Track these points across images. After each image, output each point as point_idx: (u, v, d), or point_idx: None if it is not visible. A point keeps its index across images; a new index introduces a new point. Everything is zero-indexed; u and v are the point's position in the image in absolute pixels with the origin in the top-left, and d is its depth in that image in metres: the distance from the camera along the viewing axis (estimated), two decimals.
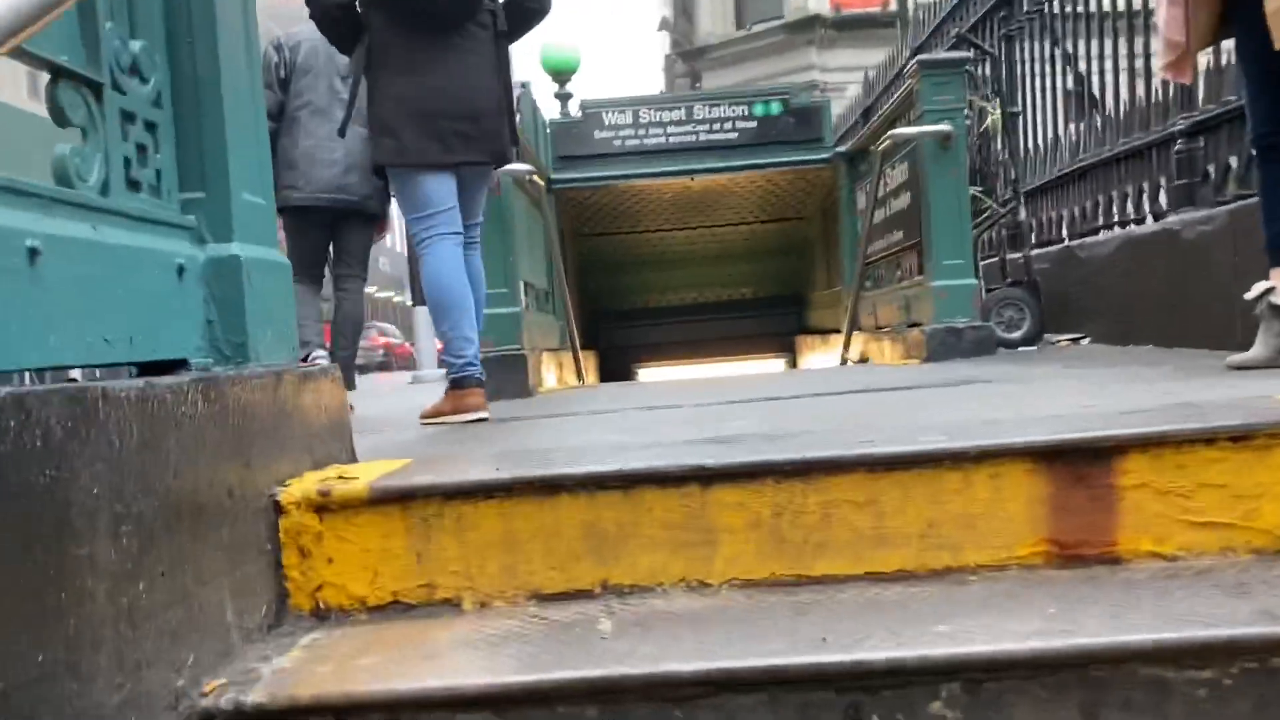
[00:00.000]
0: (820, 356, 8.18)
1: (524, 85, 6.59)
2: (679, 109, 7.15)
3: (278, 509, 1.60)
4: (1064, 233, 5.58)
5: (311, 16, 3.17)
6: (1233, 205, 3.74)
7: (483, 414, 3.17)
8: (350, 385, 4.09)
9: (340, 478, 1.66)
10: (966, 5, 6.66)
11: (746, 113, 7.13)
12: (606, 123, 7.14)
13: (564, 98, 9.55)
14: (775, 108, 7.13)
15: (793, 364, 9.37)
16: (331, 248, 4.41)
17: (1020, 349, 4.84)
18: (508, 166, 4.45)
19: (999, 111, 5.12)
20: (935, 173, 4.71)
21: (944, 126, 4.61)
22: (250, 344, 1.68)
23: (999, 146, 5.12)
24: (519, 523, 1.58)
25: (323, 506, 1.59)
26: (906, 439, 1.62)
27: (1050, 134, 5.78)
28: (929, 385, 3.27)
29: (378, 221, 4.47)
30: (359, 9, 3.13)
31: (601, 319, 9.42)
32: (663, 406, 3.24)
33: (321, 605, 1.60)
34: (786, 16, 24.67)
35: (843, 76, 25.27)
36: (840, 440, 1.68)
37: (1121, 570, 1.51)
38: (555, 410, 3.51)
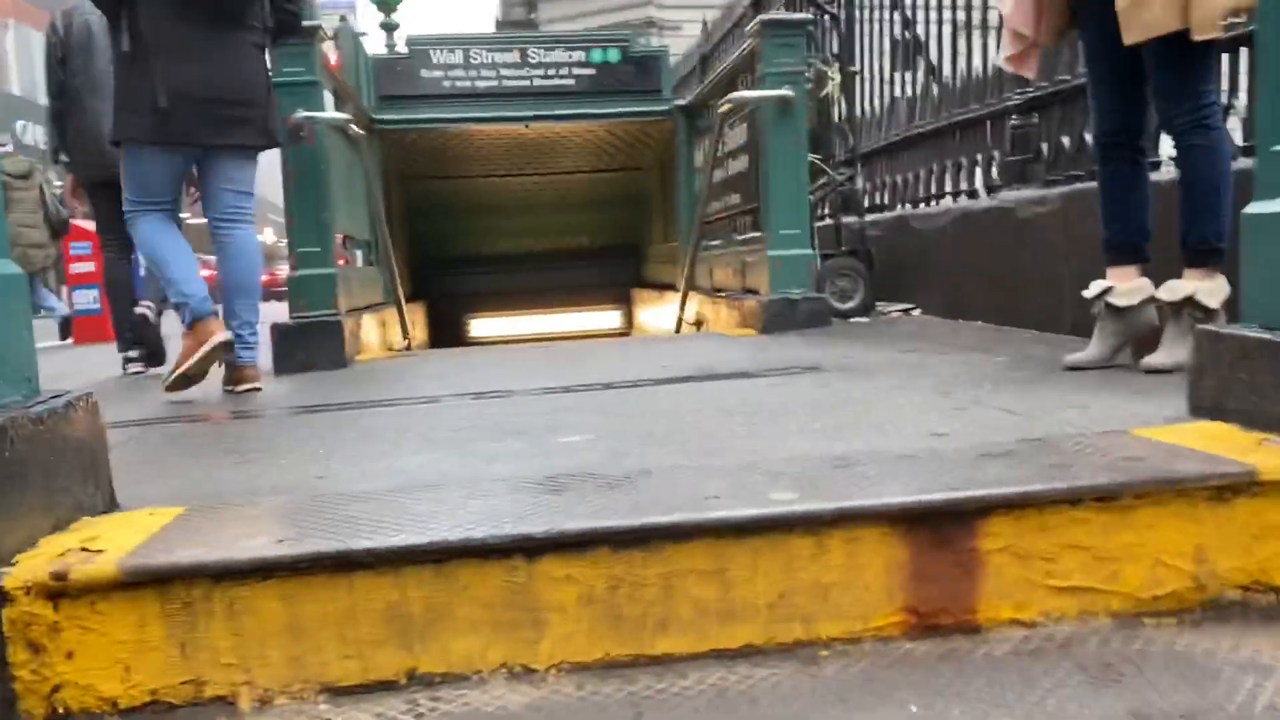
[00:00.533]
0: (656, 311, 8.06)
1: (343, 18, 6.09)
2: (513, 51, 6.77)
3: (1, 597, 1.29)
4: (898, 199, 5.61)
5: None
6: (1066, 189, 3.76)
7: (225, 337, 3.38)
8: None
9: (84, 549, 1.36)
10: None
11: (584, 59, 6.83)
12: (435, 61, 6.69)
13: (389, 28, 8.96)
14: (613, 55, 6.85)
15: (628, 318, 9.23)
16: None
17: (852, 319, 4.82)
18: (323, 115, 4.15)
19: (839, 77, 5.02)
20: (775, 138, 4.58)
21: (785, 91, 4.47)
22: None
23: (838, 112, 5.04)
24: (307, 606, 1.33)
25: (59, 592, 1.30)
26: (756, 497, 1.45)
27: (887, 97, 5.76)
28: (768, 373, 3.15)
29: None
30: None
31: (432, 266, 9.00)
32: (490, 395, 3.00)
33: (60, 710, 1.31)
34: None
35: (680, 15, 25.18)
36: (684, 493, 1.50)
37: (982, 643, 1.39)
38: (368, 395, 3.21)
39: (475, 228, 9.07)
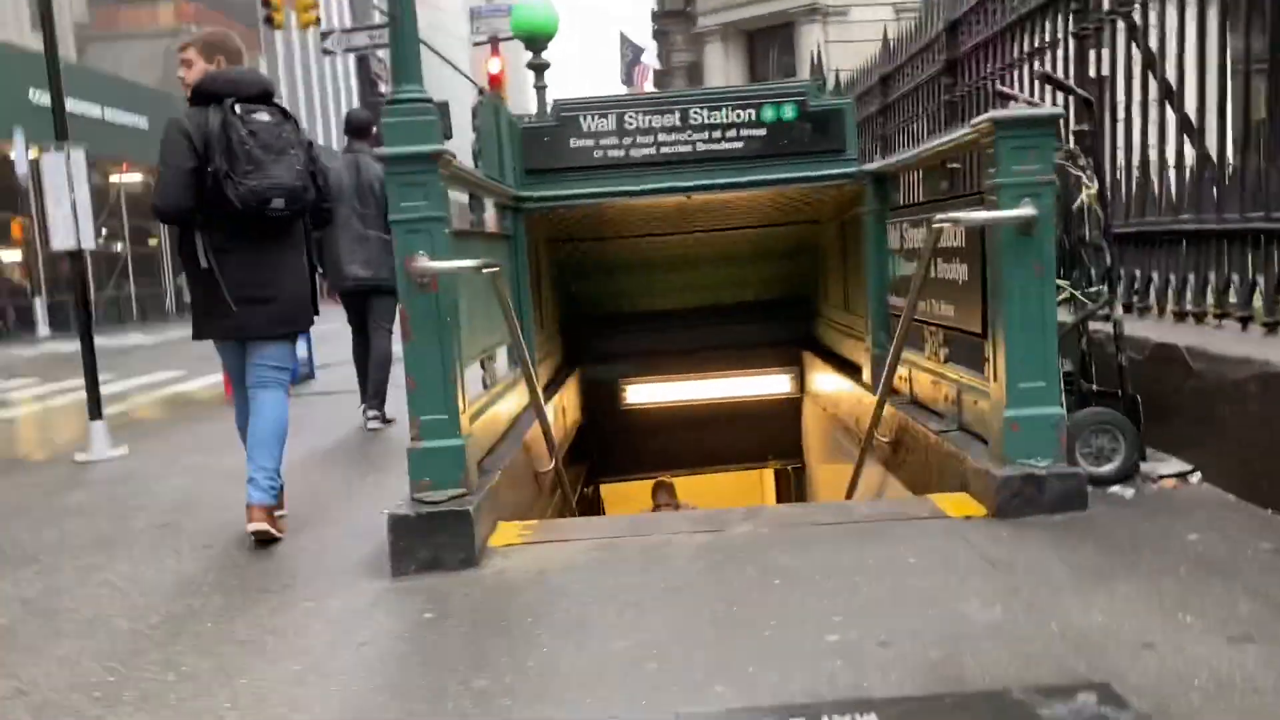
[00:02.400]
0: (831, 382, 7.07)
1: (482, 90, 5.38)
2: (673, 113, 5.88)
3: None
4: (1156, 304, 4.45)
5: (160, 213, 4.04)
6: None
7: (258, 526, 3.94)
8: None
9: None
10: None
11: (754, 118, 5.88)
12: (585, 128, 5.89)
13: (539, 68, 8.23)
14: (789, 112, 5.87)
15: (799, 382, 8.25)
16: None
17: (1111, 488, 3.74)
18: (446, 265, 3.45)
19: (1095, 186, 3.91)
20: (1012, 266, 3.55)
21: (1026, 211, 3.43)
22: None
23: (1092, 226, 3.94)
24: None
25: None
26: None
27: (1140, 166, 4.59)
28: (1049, 696, 2.18)
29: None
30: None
31: (585, 325, 8.28)
32: None
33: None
34: None
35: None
36: None
37: None
38: (490, 663, 2.40)
39: (631, 285, 8.28)
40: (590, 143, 5.90)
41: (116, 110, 29.31)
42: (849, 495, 5.90)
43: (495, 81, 21.74)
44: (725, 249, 8.05)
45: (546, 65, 8.01)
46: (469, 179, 4.41)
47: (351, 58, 11.79)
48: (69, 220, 6.55)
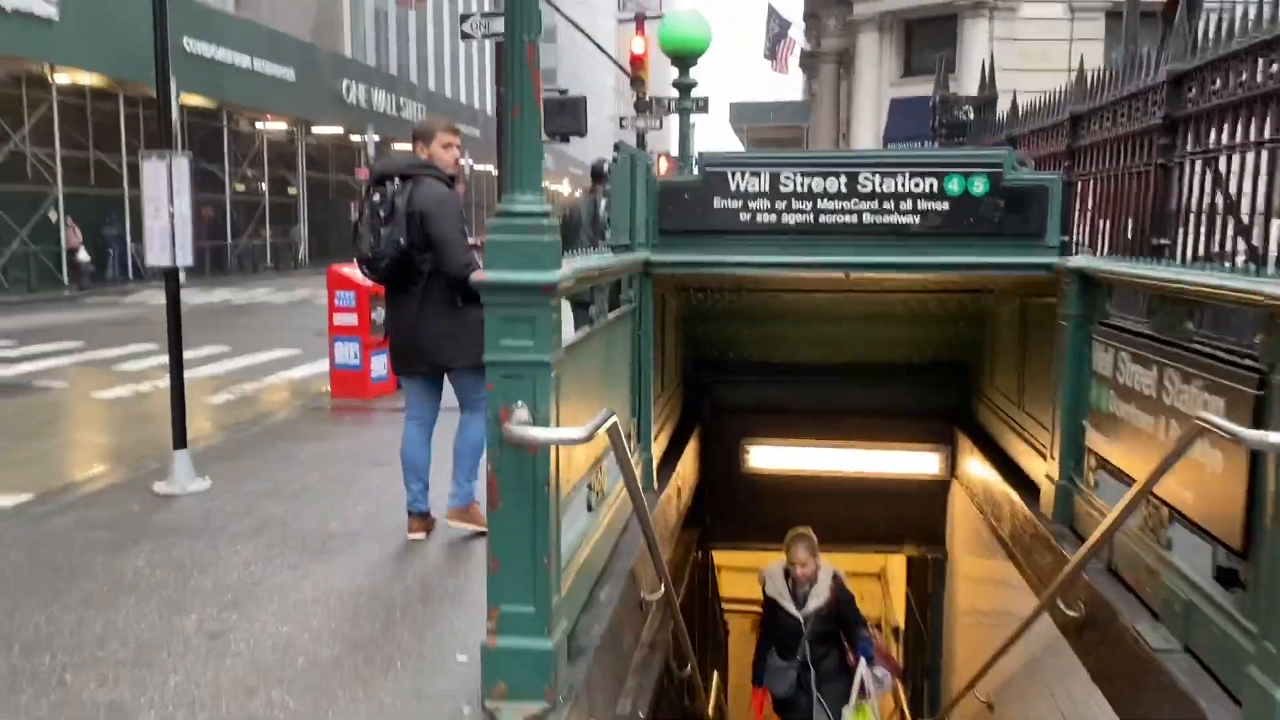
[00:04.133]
0: (992, 481, 6.10)
1: (618, 145, 4.60)
2: (838, 176, 4.99)
3: None
4: None
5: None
6: None
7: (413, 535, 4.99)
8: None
9: None
10: None
11: (935, 189, 4.93)
12: (733, 188, 5.04)
13: (685, 88, 7.36)
14: (980, 185, 4.90)
15: (949, 464, 7.26)
16: None
17: None
18: (546, 434, 2.68)
19: None
20: None
21: None
22: None
23: None
24: None
25: None
26: None
27: None
28: None
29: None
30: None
31: (708, 370, 7.48)
32: None
33: None
34: None
35: None
36: None
37: None
38: None
39: (763, 334, 7.42)
40: (737, 204, 5.05)
41: (265, 61, 29.63)
42: (1008, 646, 5.00)
43: (638, 61, 20.83)
44: (876, 307, 7.11)
45: (693, 85, 7.14)
46: (590, 276, 3.64)
47: (489, 43, 11.20)
48: (165, 234, 6.02)
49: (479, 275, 2.78)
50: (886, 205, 4.97)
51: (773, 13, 34.75)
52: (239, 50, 28.08)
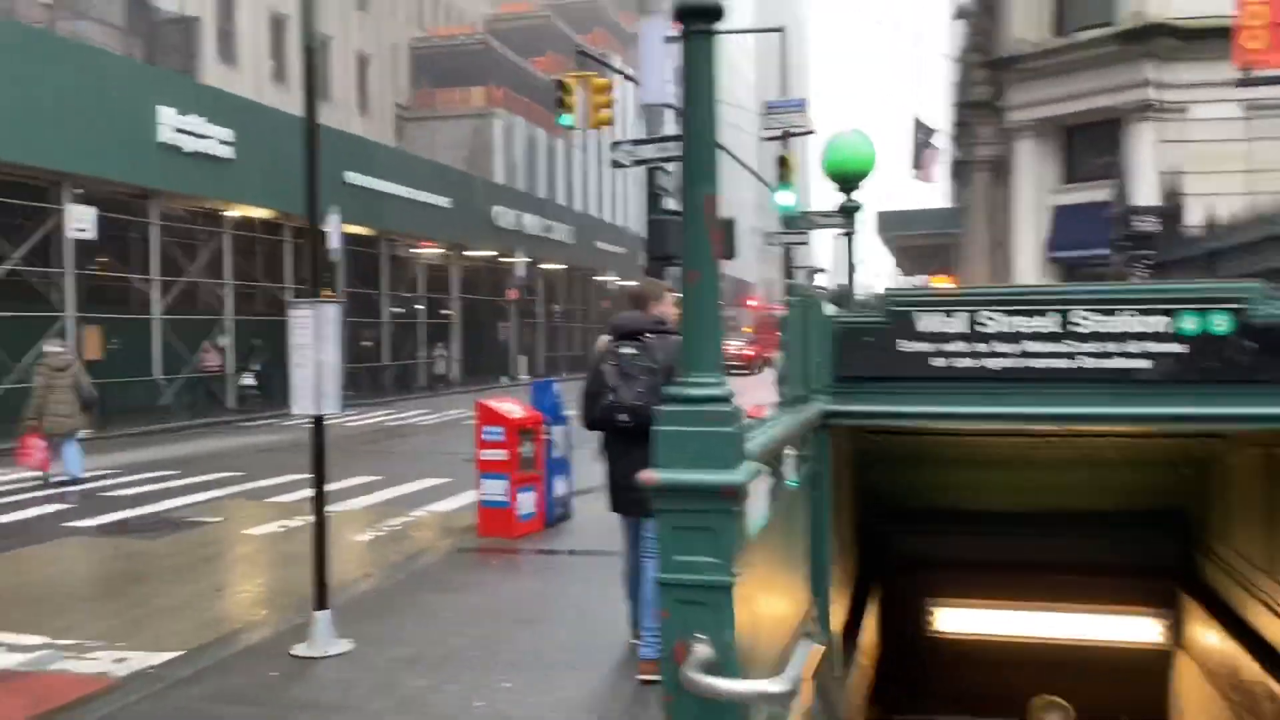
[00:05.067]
0: (1240, 663, 5.08)
1: (790, 289, 4.07)
2: (1045, 314, 4.33)
3: None
4: None
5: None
6: None
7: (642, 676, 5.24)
8: None
9: None
10: None
11: (1169, 328, 4.20)
12: (921, 329, 4.44)
13: (850, 210, 6.85)
14: (1222, 323, 4.14)
15: (1173, 631, 6.23)
16: None
17: None
18: (730, 686, 2.06)
19: None
20: None
21: None
22: None
23: None
24: None
25: None
26: None
27: None
28: None
29: None
30: None
31: (886, 520, 6.71)
32: None
33: None
34: (1118, 24, 20.37)
35: (1183, 95, 20.62)
36: None
37: None
38: None
39: (946, 480, 6.63)
40: (928, 347, 4.42)
41: (423, 192, 30.95)
42: None
43: (784, 165, 20.65)
44: (1081, 450, 6.26)
45: (858, 208, 6.63)
46: (773, 451, 3.07)
47: (641, 169, 11.21)
48: (309, 383, 5.80)
49: (647, 476, 2.25)
50: (1109, 348, 4.26)
51: (919, 125, 34.47)
52: (397, 181, 29.43)
